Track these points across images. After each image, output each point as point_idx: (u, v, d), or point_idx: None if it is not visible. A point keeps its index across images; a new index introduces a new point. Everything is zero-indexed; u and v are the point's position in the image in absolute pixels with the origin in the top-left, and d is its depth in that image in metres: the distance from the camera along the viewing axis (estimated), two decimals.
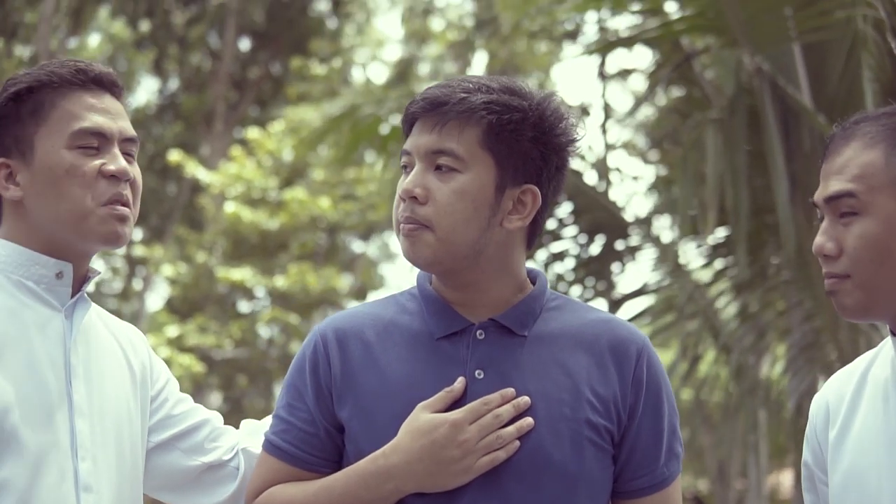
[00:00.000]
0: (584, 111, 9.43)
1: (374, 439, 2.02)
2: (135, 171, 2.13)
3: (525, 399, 2.00)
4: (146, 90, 23.21)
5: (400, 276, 23.99)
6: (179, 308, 15.42)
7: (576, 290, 7.45)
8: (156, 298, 21.61)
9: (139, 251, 17.48)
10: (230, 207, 13.77)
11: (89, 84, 2.11)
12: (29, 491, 1.93)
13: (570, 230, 7.32)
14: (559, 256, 7.42)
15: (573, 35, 7.47)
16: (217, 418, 2.37)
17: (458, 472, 1.97)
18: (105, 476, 2.06)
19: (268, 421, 2.30)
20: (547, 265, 7.43)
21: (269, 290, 13.98)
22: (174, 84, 21.77)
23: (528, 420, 1.99)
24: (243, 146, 15.14)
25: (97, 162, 2.07)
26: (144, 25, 20.67)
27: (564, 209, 7.20)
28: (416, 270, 2.15)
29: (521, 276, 2.13)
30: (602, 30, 8.03)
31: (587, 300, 7.35)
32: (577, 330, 2.09)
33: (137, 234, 23.22)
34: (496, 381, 2.02)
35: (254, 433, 2.36)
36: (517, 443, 1.98)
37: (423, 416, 1.98)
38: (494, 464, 1.97)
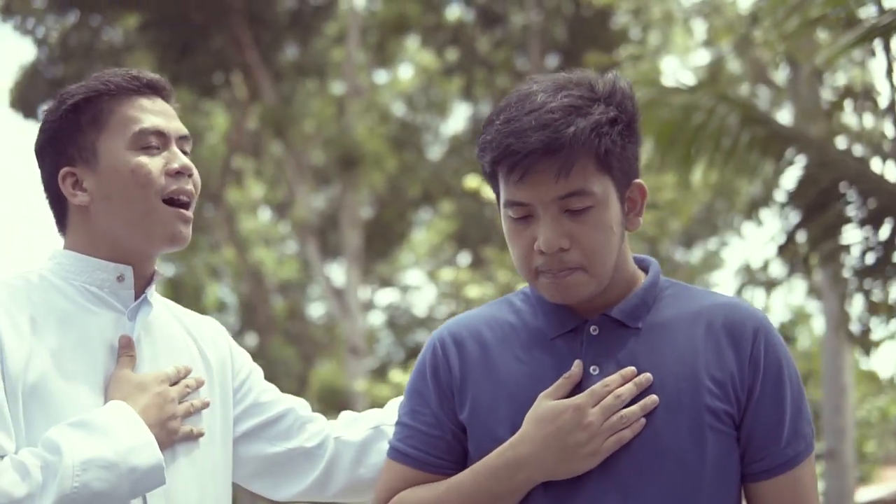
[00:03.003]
0: (871, 97, 9.19)
1: (493, 439, 2.08)
2: (195, 168, 2.27)
3: (647, 376, 2.03)
4: (460, 117, 24.02)
5: (725, 284, 23.66)
6: None
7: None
8: None
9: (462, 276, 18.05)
10: None
11: (143, 89, 2.25)
12: None
13: (856, 217, 7.23)
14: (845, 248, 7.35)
15: (853, 21, 7.31)
16: (303, 407, 2.46)
17: (586, 456, 2.01)
18: (178, 471, 2.17)
19: (368, 413, 2.47)
20: (833, 254, 7.39)
21: None
22: (485, 108, 22.47)
23: (653, 397, 2.02)
24: None
25: (160, 160, 2.20)
26: (451, 54, 21.47)
27: (850, 196, 7.14)
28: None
29: (630, 268, 2.15)
30: (883, 12, 7.82)
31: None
32: (693, 315, 2.10)
33: (465, 258, 24.00)
34: (611, 374, 2.05)
35: (350, 424, 2.45)
36: (643, 420, 2.02)
37: (546, 404, 2.03)
38: (621, 443, 2.00)
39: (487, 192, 15.08)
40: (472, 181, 15.36)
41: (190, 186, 2.23)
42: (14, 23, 21.66)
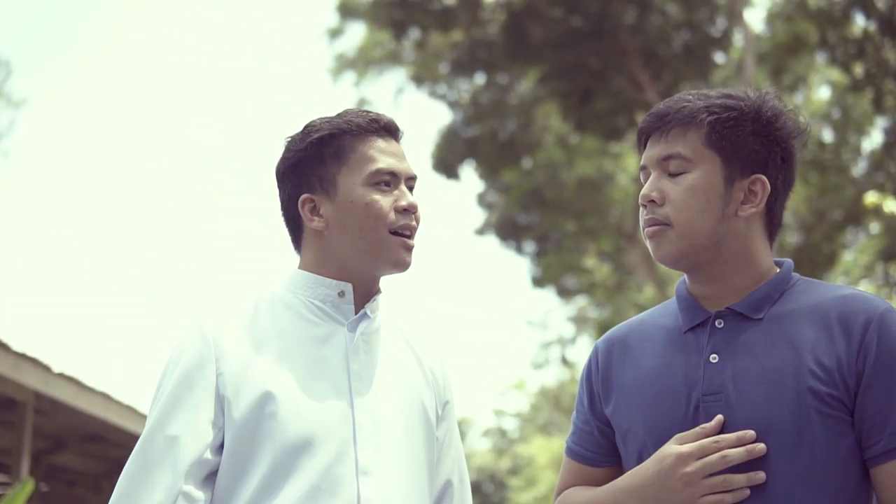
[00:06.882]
0: None
1: (631, 424, 2.32)
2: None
3: (760, 447, 2.13)
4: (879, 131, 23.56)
5: None
6: None
7: None
8: None
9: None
10: None
11: (380, 131, 2.49)
12: (295, 470, 2.27)
13: None
14: None
15: None
16: (460, 481, 2.64)
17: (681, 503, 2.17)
18: (389, 463, 2.36)
19: None
20: None
21: None
22: None
23: (761, 474, 2.13)
24: None
25: (391, 198, 2.44)
26: (858, 68, 21.21)
27: None
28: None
29: (763, 265, 2.31)
30: None
31: None
32: (812, 307, 2.23)
33: None
34: (727, 362, 2.22)
35: None
36: (747, 491, 2.13)
37: (665, 446, 2.21)
38: None
39: (889, 206, 14.95)
40: (871, 197, 15.22)
41: (414, 222, 2.47)
42: (427, 89, 23.57)
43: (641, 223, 2.32)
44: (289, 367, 2.36)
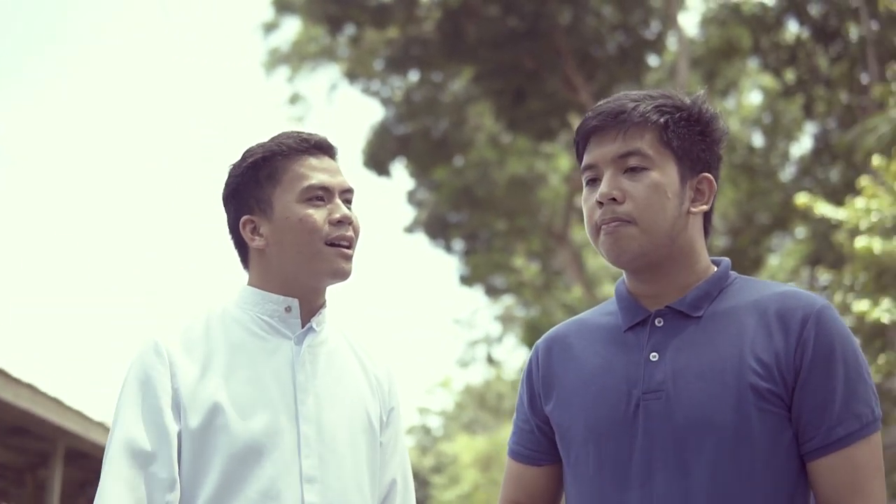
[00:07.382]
0: None
1: (572, 422, 2.35)
2: (354, 216, 2.60)
3: None
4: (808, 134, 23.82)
5: None
6: None
7: None
8: None
9: None
10: (862, 242, 13.92)
11: (311, 149, 2.60)
12: (244, 478, 2.40)
13: None
14: None
15: None
16: (404, 479, 2.77)
17: None
18: (334, 470, 2.50)
19: None
20: None
21: None
22: (830, 126, 22.23)
23: None
24: (874, 176, 15.23)
25: (324, 211, 2.55)
26: (790, 73, 21.48)
27: None
28: None
29: (703, 263, 2.34)
30: None
31: None
32: (751, 304, 2.26)
33: (825, 280, 23.67)
34: (668, 360, 2.25)
35: None
36: None
37: None
38: None
39: (828, 211, 15.09)
40: (802, 197, 15.34)
41: (350, 232, 2.57)
42: (360, 86, 23.52)
43: (594, 222, 2.31)
44: (238, 381, 2.49)
